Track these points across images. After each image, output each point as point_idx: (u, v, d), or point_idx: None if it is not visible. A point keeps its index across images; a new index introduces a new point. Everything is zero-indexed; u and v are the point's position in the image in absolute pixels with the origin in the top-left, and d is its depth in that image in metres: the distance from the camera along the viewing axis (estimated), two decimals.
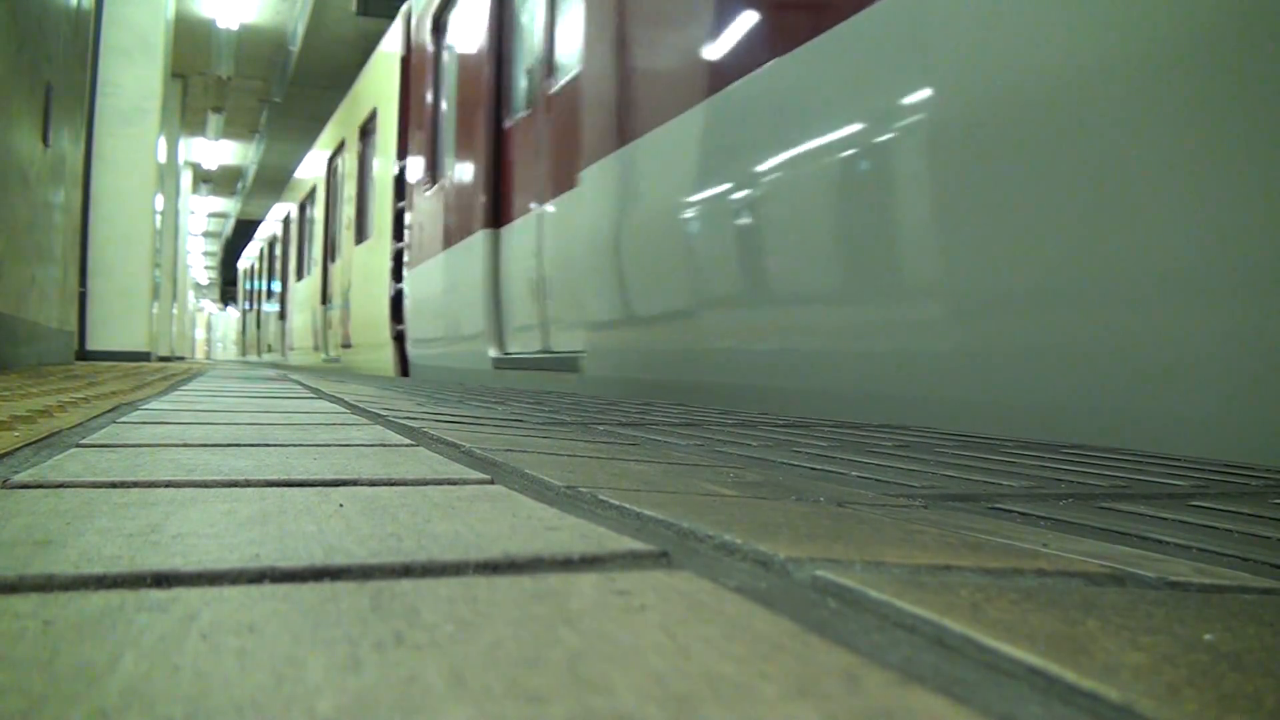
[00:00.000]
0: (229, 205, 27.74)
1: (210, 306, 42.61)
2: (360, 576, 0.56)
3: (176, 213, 17.55)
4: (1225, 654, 0.47)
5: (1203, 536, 0.93)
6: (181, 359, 17.18)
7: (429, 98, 7.33)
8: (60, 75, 6.49)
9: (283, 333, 16.72)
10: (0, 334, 4.92)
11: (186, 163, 20.23)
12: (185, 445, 1.26)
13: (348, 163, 10.98)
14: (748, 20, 3.25)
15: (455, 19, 6.86)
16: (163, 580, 0.53)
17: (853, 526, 0.80)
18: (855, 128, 2.62)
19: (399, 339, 8.08)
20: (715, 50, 3.38)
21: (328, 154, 12.25)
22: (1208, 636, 0.50)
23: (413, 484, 0.95)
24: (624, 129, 3.98)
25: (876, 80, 2.55)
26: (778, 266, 3.04)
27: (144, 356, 10.73)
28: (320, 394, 2.97)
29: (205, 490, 0.87)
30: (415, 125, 7.75)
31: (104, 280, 10.34)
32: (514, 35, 5.78)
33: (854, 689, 0.39)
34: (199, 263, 33.81)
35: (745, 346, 3.23)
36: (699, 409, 2.98)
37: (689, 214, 3.50)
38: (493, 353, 5.72)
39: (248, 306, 23.27)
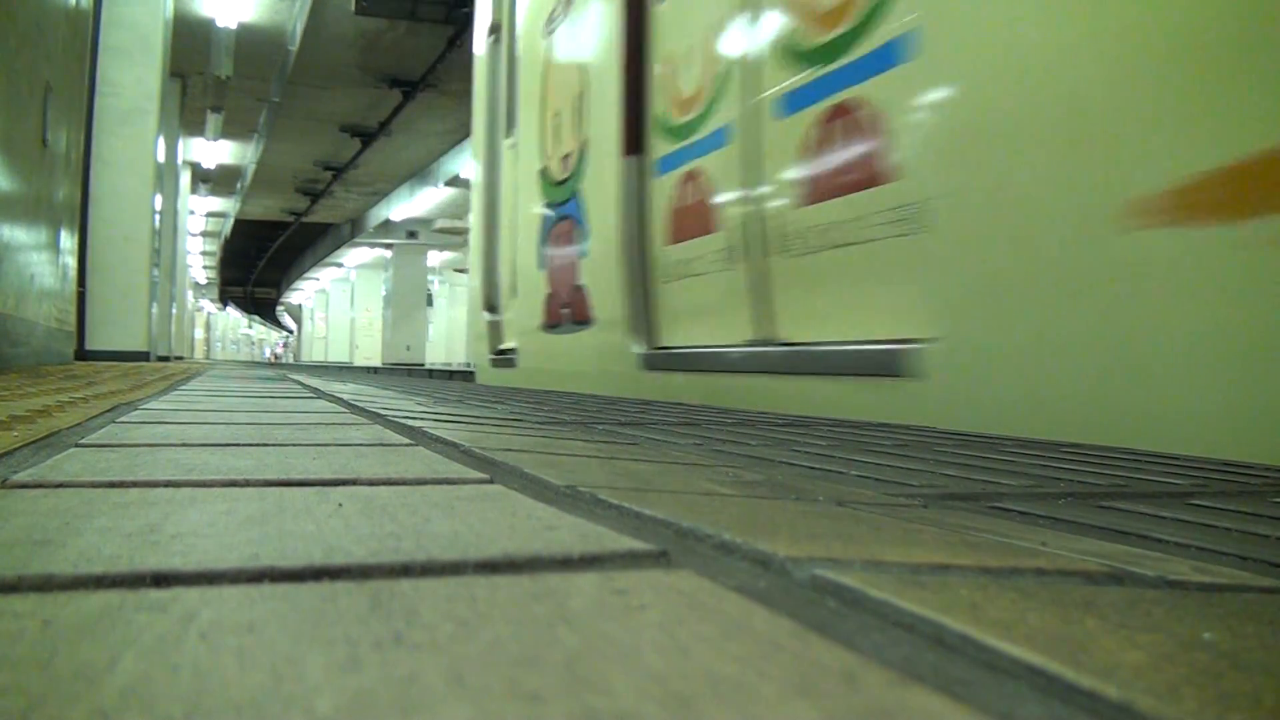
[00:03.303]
0: (228, 205, 27.71)
1: (209, 306, 42.60)
2: (359, 576, 0.56)
3: (175, 212, 17.53)
4: (1224, 653, 0.47)
5: (1202, 535, 0.93)
6: (180, 359, 17.17)
7: None
8: (59, 75, 6.48)
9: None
10: None
11: (185, 162, 20.20)
12: (184, 445, 1.26)
13: None
14: None
15: None
16: (162, 580, 0.53)
17: (852, 526, 0.80)
18: None
19: None
20: None
21: None
22: (1207, 635, 0.50)
23: (412, 483, 0.95)
24: None
25: None
26: None
27: (143, 356, 10.73)
28: (320, 394, 2.97)
29: (204, 490, 0.87)
30: None
31: (103, 280, 10.34)
32: None
33: (853, 688, 0.39)
34: (198, 263, 33.75)
35: None
36: (698, 408, 2.97)
37: None
38: None
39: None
